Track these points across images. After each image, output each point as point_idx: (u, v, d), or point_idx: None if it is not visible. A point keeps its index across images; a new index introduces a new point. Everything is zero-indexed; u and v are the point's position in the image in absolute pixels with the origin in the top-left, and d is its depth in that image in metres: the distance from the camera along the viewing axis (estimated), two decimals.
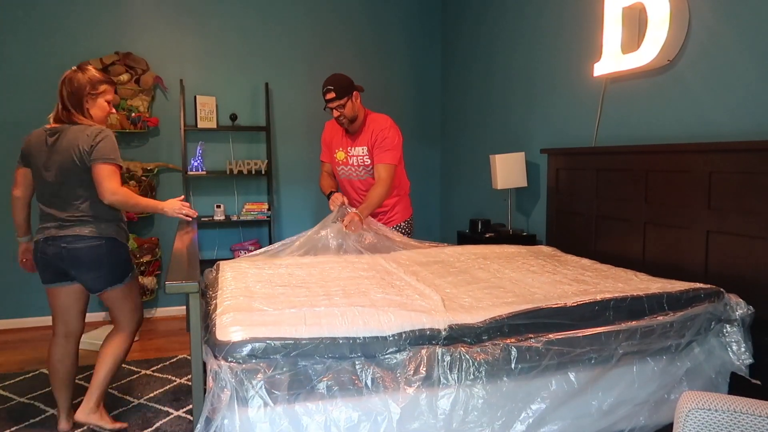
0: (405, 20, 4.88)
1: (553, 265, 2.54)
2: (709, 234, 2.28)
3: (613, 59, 2.78)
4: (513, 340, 1.76)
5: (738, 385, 2.03)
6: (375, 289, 2.06)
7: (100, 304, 4.25)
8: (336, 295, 1.97)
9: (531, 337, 1.78)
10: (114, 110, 2.63)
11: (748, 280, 2.10)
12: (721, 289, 2.05)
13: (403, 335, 1.67)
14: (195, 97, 4.29)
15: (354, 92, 2.98)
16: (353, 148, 3.08)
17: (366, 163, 3.07)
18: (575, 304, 1.88)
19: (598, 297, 1.93)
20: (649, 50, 2.55)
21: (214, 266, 2.47)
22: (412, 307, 1.83)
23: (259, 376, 1.52)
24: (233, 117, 4.33)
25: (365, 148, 3.05)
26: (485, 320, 1.77)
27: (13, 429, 2.53)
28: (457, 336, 1.73)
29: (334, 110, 2.97)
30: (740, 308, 2.03)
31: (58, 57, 4.02)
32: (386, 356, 1.65)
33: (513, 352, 1.74)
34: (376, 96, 4.23)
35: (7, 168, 4.00)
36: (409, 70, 4.94)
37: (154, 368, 3.23)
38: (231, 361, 1.52)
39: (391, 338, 1.66)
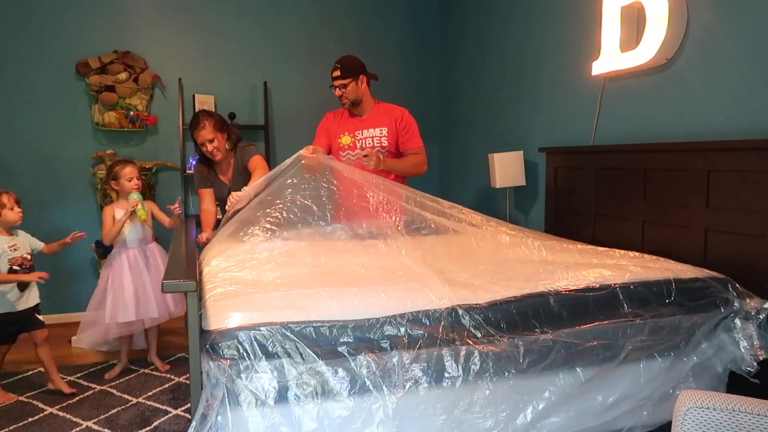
0: (404, 18, 4.88)
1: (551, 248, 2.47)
2: (707, 233, 2.28)
3: (611, 58, 2.77)
4: (520, 334, 1.73)
5: (736, 384, 2.03)
6: (371, 273, 2.00)
7: None
8: (327, 278, 1.90)
9: (537, 329, 1.76)
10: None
11: (747, 279, 2.09)
12: (737, 284, 2.00)
13: (397, 317, 1.63)
14: (193, 96, 4.28)
15: (361, 76, 2.96)
16: (364, 131, 3.02)
17: (384, 144, 2.98)
18: (582, 288, 1.86)
19: (607, 281, 1.91)
20: (648, 49, 2.54)
21: (200, 254, 2.43)
22: (411, 288, 1.78)
23: (248, 370, 1.50)
24: (232, 116, 4.32)
25: (384, 129, 2.99)
26: (491, 301, 1.74)
27: (11, 428, 2.53)
28: (460, 318, 1.68)
29: (336, 89, 2.96)
30: (755, 302, 1.97)
31: (57, 56, 4.02)
32: (382, 343, 1.60)
33: (520, 346, 1.71)
34: (374, 93, 4.22)
35: (6, 167, 4.00)
36: (407, 69, 4.93)
37: (153, 367, 3.22)
38: (220, 356, 1.50)
39: (384, 320, 1.61)
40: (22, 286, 2.79)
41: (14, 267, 2.75)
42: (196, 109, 4.24)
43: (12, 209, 2.78)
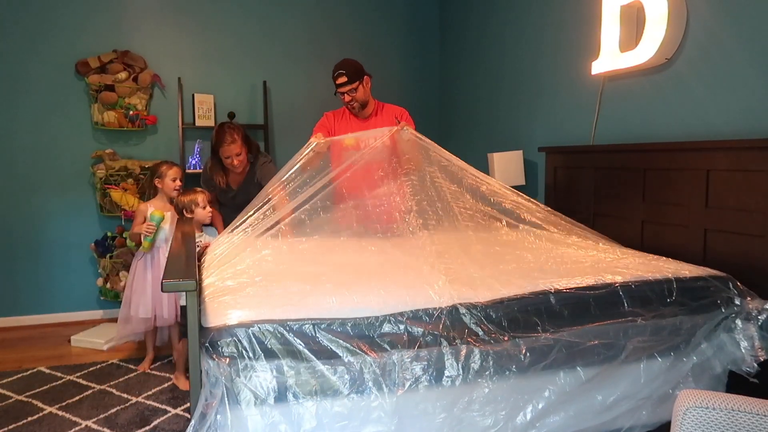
0: (403, 17, 4.88)
1: (553, 245, 2.47)
2: (707, 232, 2.28)
3: (611, 57, 2.77)
4: (521, 333, 1.72)
5: (736, 384, 2.03)
6: (370, 270, 1.99)
7: (98, 303, 4.25)
8: (326, 275, 1.89)
9: (539, 328, 1.75)
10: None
11: (746, 279, 2.09)
12: (738, 283, 1.99)
13: (397, 315, 1.62)
14: (193, 95, 4.28)
15: (365, 77, 2.98)
16: (368, 132, 3.01)
17: (387, 143, 2.98)
18: (583, 287, 1.85)
19: (608, 280, 1.90)
20: (647, 48, 2.55)
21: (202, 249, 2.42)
22: (411, 286, 1.77)
23: (247, 369, 1.49)
24: (231, 115, 4.31)
25: (387, 129, 2.99)
26: (493, 300, 1.74)
27: (11, 427, 2.52)
28: (461, 316, 1.67)
29: (345, 95, 2.95)
30: (756, 303, 1.96)
31: (56, 55, 4.01)
32: (381, 341, 1.60)
33: (521, 345, 1.70)
34: (375, 94, 4.23)
35: (5, 166, 4.01)
36: (407, 69, 4.93)
37: (152, 366, 3.22)
38: (219, 354, 1.49)
39: (382, 318, 1.60)
40: None
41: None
42: (196, 109, 4.26)
43: (204, 208, 2.88)
